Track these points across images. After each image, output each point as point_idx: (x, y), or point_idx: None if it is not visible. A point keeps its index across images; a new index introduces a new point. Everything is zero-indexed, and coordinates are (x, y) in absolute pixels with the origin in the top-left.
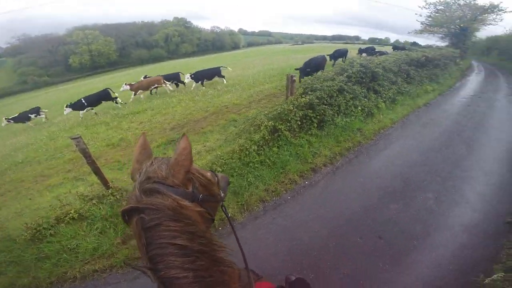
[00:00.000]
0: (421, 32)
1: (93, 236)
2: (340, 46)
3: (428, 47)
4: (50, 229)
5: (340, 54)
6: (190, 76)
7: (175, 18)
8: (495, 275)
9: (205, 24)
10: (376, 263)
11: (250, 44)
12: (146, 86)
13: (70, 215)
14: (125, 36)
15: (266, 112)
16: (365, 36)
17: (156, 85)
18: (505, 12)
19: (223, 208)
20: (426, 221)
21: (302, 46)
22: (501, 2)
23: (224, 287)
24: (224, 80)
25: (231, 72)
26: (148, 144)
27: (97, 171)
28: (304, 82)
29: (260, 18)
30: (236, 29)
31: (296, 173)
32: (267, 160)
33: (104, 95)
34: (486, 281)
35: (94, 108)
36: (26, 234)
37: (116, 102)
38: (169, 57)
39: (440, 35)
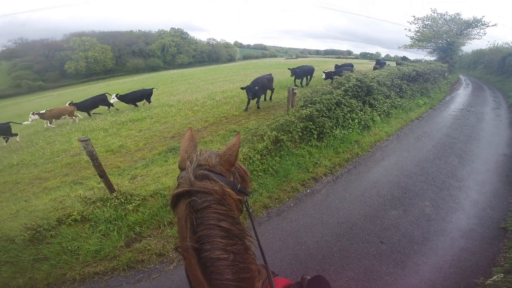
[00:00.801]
0: (410, 46)
1: (96, 238)
2: (332, 60)
3: (418, 61)
4: (50, 230)
5: (304, 72)
6: (116, 96)
7: (172, 28)
8: (495, 276)
9: (201, 35)
10: (379, 267)
11: (245, 57)
12: (57, 115)
13: (73, 216)
14: (122, 44)
15: (268, 123)
16: (356, 50)
17: (67, 115)
18: (488, 26)
19: (246, 203)
20: (425, 226)
21: (296, 60)
22: (484, 17)
23: (251, 275)
24: (148, 103)
25: (229, 84)
26: (194, 137)
27: (102, 174)
28: (304, 95)
29: (255, 32)
30: (231, 42)
31: (298, 182)
32: (270, 169)
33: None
34: (488, 281)
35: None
36: (25, 235)
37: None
38: (165, 67)
39: (429, 49)
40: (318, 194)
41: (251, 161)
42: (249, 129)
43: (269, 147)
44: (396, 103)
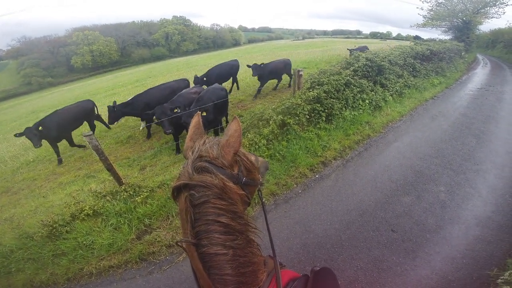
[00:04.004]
0: (423, 25)
1: (108, 232)
2: (341, 40)
3: (431, 40)
4: (65, 226)
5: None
6: None
7: (174, 16)
8: (507, 273)
9: (204, 22)
10: (389, 256)
11: (250, 41)
12: None
13: (85, 211)
14: (125, 36)
15: (274, 106)
16: (366, 30)
17: None
18: (507, 5)
19: (259, 192)
20: (439, 214)
21: (303, 42)
22: None
23: (254, 268)
24: None
25: None
26: (201, 124)
27: (110, 168)
28: (311, 76)
29: (259, 15)
30: (236, 26)
31: (306, 167)
32: (277, 154)
33: None
34: (499, 280)
35: None
36: (43, 232)
37: None
38: (170, 55)
39: (443, 28)
40: (327, 179)
41: (256, 146)
42: (255, 113)
43: (275, 132)
44: (410, 82)
